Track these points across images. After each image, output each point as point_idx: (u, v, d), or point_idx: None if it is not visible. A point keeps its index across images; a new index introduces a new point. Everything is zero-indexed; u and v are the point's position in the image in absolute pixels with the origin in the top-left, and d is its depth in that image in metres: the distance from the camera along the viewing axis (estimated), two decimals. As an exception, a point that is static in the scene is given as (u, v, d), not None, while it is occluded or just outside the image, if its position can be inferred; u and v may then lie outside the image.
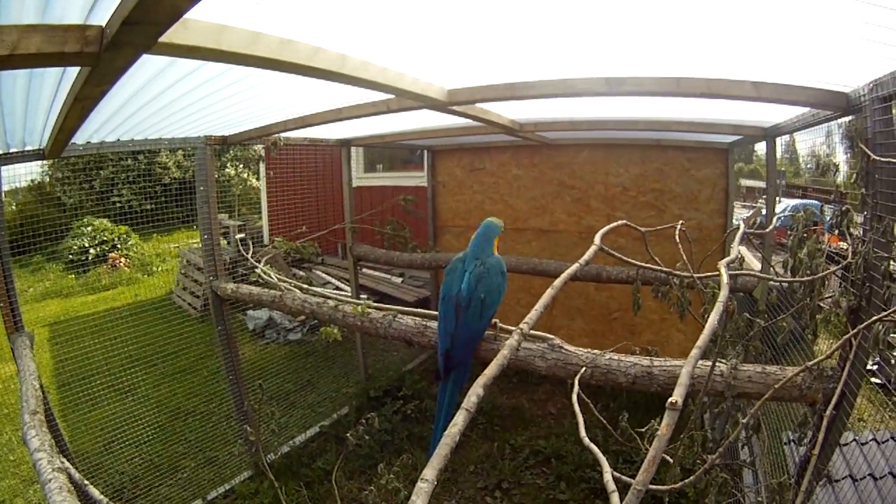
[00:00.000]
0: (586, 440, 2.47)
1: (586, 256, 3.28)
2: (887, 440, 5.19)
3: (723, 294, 2.43)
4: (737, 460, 4.21)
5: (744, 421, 2.77)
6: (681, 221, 3.93)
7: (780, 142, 6.39)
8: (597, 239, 3.52)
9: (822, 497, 4.66)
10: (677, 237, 3.73)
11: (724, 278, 2.61)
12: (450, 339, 3.84)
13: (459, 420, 1.80)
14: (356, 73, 3.40)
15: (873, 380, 5.42)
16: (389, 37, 3.37)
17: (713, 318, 2.19)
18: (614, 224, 3.81)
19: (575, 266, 3.11)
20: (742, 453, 5.61)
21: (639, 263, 3.58)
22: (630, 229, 3.90)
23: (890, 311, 2.62)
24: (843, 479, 4.88)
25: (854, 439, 5.29)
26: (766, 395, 2.77)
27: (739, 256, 3.83)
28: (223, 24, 2.64)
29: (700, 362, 3.28)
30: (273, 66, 3.06)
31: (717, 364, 3.42)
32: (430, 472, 1.62)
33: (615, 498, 1.74)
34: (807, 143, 5.28)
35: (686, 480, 2.47)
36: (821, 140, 4.79)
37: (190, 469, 7.68)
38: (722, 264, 2.79)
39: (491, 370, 2.06)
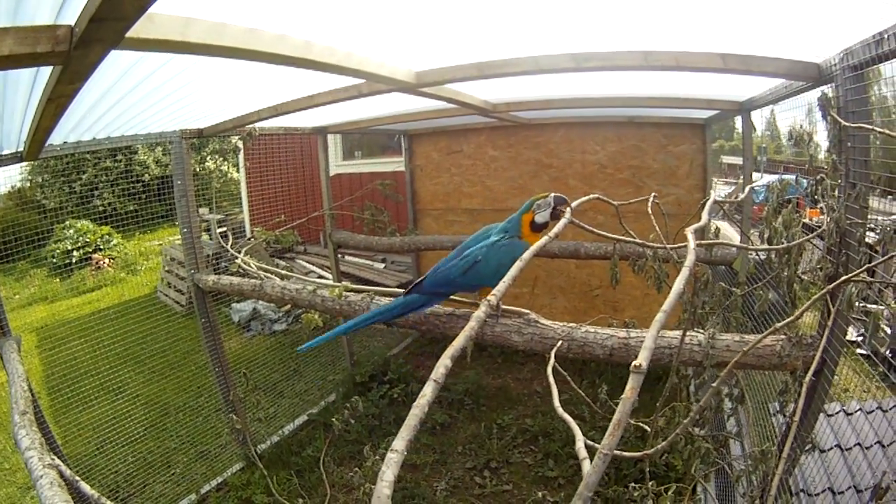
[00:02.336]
0: (560, 410, 2.50)
1: (556, 229, 3.30)
2: (874, 410, 5.23)
3: (689, 259, 2.44)
4: (723, 431, 4.24)
5: (713, 385, 2.79)
6: (653, 194, 3.95)
7: (762, 119, 6.42)
8: (567, 212, 3.53)
9: (811, 466, 4.71)
10: (650, 210, 3.75)
11: (691, 244, 2.63)
12: (434, 268, 3.93)
13: (428, 391, 1.81)
14: (322, 59, 3.40)
15: (858, 351, 5.46)
16: (354, 21, 3.38)
17: (679, 282, 2.21)
18: (585, 198, 3.81)
19: (544, 239, 3.12)
20: (730, 425, 5.65)
21: (612, 236, 3.58)
22: (608, 205, 3.92)
23: (859, 270, 2.64)
24: (831, 448, 4.92)
25: (842, 409, 5.34)
26: (736, 358, 2.80)
27: (714, 228, 3.86)
28: (188, 17, 2.66)
29: (679, 333, 3.32)
30: (239, 56, 3.07)
31: (695, 334, 3.46)
32: (399, 443, 1.64)
33: (586, 464, 1.76)
34: (787, 119, 5.30)
35: (657, 447, 2.50)
36: (801, 116, 4.81)
37: (182, 464, 7.73)
38: (689, 231, 2.81)
39: (458, 341, 2.07)
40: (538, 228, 3.79)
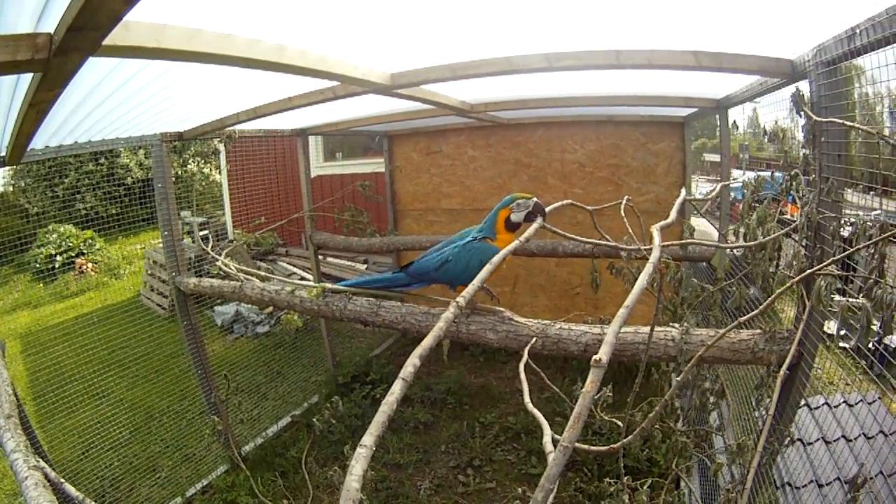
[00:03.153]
0: (530, 406, 2.54)
1: (527, 233, 3.35)
2: (858, 402, 5.27)
3: (654, 255, 2.49)
4: (704, 426, 4.27)
5: (678, 378, 2.83)
6: (626, 197, 3.99)
7: (744, 116, 6.47)
8: (539, 219, 3.59)
9: (795, 459, 4.75)
10: (623, 212, 3.78)
11: (656, 240, 2.68)
12: (421, 255, 4.22)
13: (396, 389, 1.86)
14: (295, 62, 3.43)
15: (841, 344, 5.49)
16: (328, 24, 3.40)
17: (642, 278, 2.25)
18: (559, 203, 3.85)
19: (514, 244, 3.17)
20: (712, 420, 5.68)
21: (584, 240, 3.64)
22: (588, 201, 3.95)
23: (825, 263, 2.68)
24: (811, 443, 4.96)
25: (825, 402, 5.37)
26: (701, 352, 2.84)
27: (689, 226, 3.90)
28: (163, 24, 2.70)
29: (658, 328, 3.37)
30: (214, 61, 3.10)
31: (670, 329, 3.49)
32: (368, 439, 1.68)
33: (551, 458, 1.79)
34: (770, 115, 5.33)
35: (623, 441, 2.54)
36: (783, 113, 4.84)
37: (168, 468, 7.72)
38: (654, 228, 2.85)
39: (427, 341, 2.11)
40: (512, 227, 3.84)
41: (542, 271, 9.83)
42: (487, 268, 2.83)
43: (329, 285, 4.87)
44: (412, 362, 1.96)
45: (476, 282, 2.69)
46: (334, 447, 7.71)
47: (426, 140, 10.55)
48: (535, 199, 3.75)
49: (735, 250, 4.28)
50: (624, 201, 3.91)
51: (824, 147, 3.07)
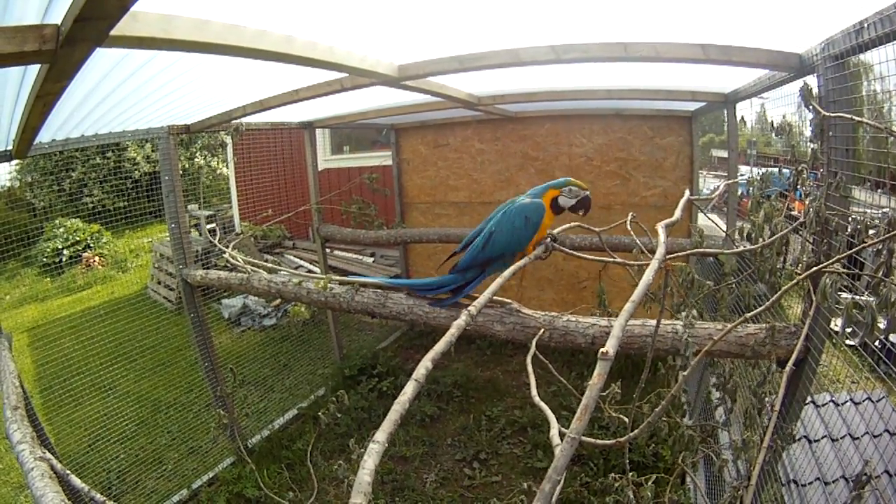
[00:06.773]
0: (537, 399, 2.56)
1: (536, 252, 3.38)
2: (864, 400, 5.26)
3: (659, 252, 2.49)
4: (710, 421, 4.27)
5: (684, 373, 2.82)
6: (631, 214, 3.97)
7: (752, 112, 6.45)
8: (548, 240, 3.62)
9: (800, 456, 4.75)
10: (629, 226, 3.76)
11: (661, 237, 2.68)
12: (463, 247, 3.97)
13: (409, 389, 1.87)
14: (303, 53, 3.43)
15: (847, 342, 5.46)
16: (336, 16, 3.40)
17: (648, 273, 2.26)
18: (566, 226, 3.83)
19: (524, 260, 3.22)
20: (719, 415, 5.67)
21: (590, 257, 3.63)
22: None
23: (832, 261, 2.67)
24: (821, 438, 4.95)
25: (831, 400, 5.36)
26: (708, 346, 2.83)
27: (699, 229, 3.89)
28: (171, 14, 2.70)
29: (665, 322, 3.37)
30: (222, 51, 3.10)
31: (676, 322, 3.49)
32: (381, 435, 1.70)
33: (558, 450, 1.79)
34: (779, 111, 5.32)
35: (629, 435, 2.54)
36: (792, 108, 4.83)
37: (174, 460, 7.73)
38: (660, 226, 2.85)
39: (439, 346, 2.13)
40: (557, 210, 3.74)
41: (548, 265, 9.81)
42: (498, 281, 2.86)
43: (335, 277, 4.86)
44: (424, 365, 1.98)
45: (487, 293, 2.71)
46: (340, 440, 7.71)
47: (433, 133, 10.56)
48: (587, 192, 3.71)
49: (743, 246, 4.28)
50: (629, 218, 3.90)
51: (832, 142, 3.05)
